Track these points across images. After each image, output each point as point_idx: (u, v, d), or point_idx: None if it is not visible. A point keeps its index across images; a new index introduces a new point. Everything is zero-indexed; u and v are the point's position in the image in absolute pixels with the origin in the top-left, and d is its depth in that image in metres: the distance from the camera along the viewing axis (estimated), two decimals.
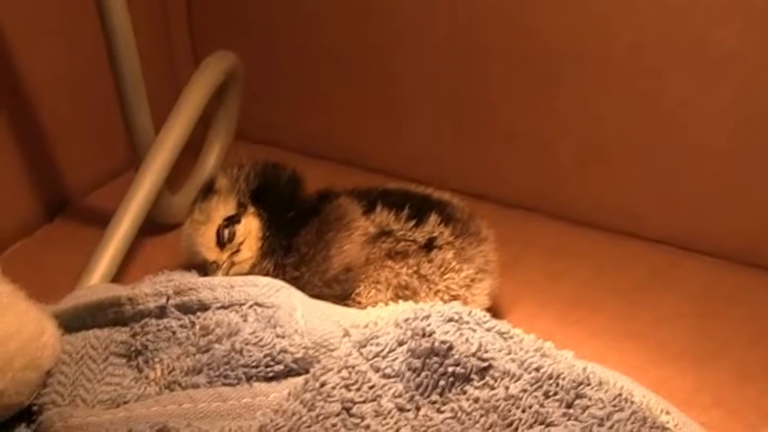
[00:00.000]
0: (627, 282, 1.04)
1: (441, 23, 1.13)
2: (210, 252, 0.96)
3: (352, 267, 0.92)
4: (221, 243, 0.96)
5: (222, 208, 0.97)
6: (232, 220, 0.96)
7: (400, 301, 0.90)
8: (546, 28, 1.07)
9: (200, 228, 0.97)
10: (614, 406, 0.74)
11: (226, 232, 0.96)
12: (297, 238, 0.94)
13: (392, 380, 0.78)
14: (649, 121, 1.05)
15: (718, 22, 0.98)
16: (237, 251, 0.96)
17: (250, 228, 0.97)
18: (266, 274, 0.94)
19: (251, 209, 0.97)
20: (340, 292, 0.92)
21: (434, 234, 0.93)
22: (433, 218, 0.93)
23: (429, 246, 0.93)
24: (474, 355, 0.77)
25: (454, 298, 0.91)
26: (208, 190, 0.99)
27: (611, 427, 0.73)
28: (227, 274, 0.95)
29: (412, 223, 0.93)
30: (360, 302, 0.92)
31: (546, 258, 1.08)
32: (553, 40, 1.07)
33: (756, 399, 0.90)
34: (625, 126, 1.07)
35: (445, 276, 0.92)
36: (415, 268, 0.92)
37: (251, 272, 0.95)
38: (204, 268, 0.95)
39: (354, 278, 0.92)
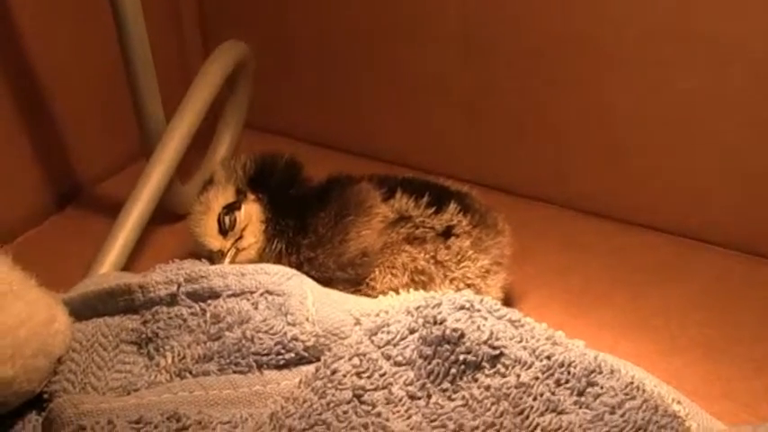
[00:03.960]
0: (637, 273, 1.04)
1: (452, 14, 1.12)
2: (214, 241, 0.96)
3: (368, 253, 0.92)
4: (223, 231, 0.96)
5: (221, 197, 0.97)
6: (232, 208, 0.96)
7: (415, 286, 0.91)
8: (556, 19, 1.07)
9: (202, 218, 0.97)
10: (626, 394, 0.74)
11: (226, 219, 0.96)
12: (315, 220, 0.94)
13: (403, 367, 0.78)
14: (660, 112, 1.05)
15: (728, 13, 0.98)
16: (241, 237, 0.96)
17: (251, 213, 0.97)
18: (278, 254, 0.94)
19: (250, 195, 0.98)
20: (354, 276, 0.92)
21: (453, 222, 0.93)
22: (452, 206, 0.94)
23: (447, 234, 0.93)
24: (485, 342, 0.77)
25: (469, 287, 0.91)
26: (207, 183, 1.00)
27: (622, 415, 0.73)
28: (233, 261, 0.95)
29: (431, 210, 0.93)
30: (374, 287, 0.92)
31: (556, 249, 1.08)
32: (564, 32, 1.07)
33: (766, 390, 0.90)
34: (636, 117, 1.07)
35: (461, 265, 0.92)
36: (432, 254, 0.92)
37: (261, 256, 0.95)
38: (212, 259, 0.95)
39: (369, 264, 0.92)
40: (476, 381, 0.76)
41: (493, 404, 0.75)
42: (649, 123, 1.06)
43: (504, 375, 0.76)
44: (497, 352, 0.77)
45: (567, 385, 0.75)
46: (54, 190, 1.16)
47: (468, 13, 1.11)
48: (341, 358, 0.78)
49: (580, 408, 0.74)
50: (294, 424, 0.73)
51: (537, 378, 0.76)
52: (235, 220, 0.96)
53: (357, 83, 1.23)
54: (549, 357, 0.77)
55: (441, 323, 0.78)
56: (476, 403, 0.75)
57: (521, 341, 0.78)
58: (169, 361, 0.83)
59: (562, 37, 1.07)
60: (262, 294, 0.85)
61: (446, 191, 0.96)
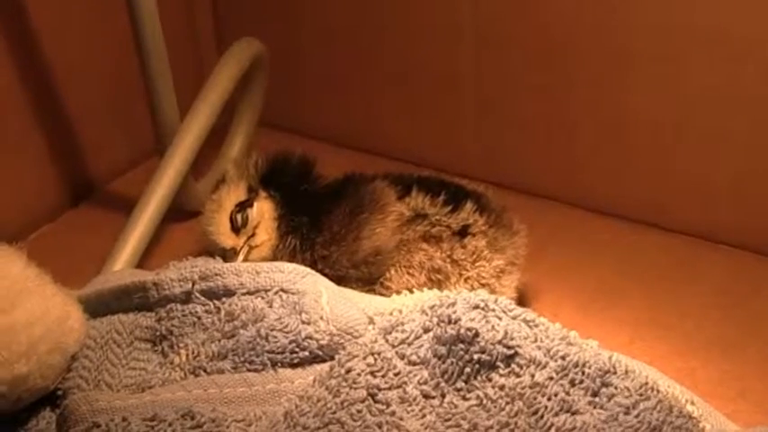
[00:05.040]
0: (651, 273, 1.04)
1: (463, 11, 1.12)
2: (227, 239, 0.96)
3: (381, 251, 0.92)
4: (236, 228, 0.96)
5: (233, 195, 0.97)
6: (244, 205, 0.97)
7: (431, 285, 0.90)
8: (569, 17, 1.06)
9: (214, 216, 0.97)
10: (640, 395, 0.74)
11: (239, 217, 0.96)
12: (329, 217, 0.94)
13: (417, 367, 0.78)
14: (672, 109, 1.05)
15: (741, 11, 0.98)
16: (253, 235, 0.96)
17: (263, 210, 0.97)
18: (292, 251, 0.94)
19: (262, 193, 0.98)
20: (367, 275, 0.92)
21: (469, 222, 0.93)
22: (469, 205, 0.93)
23: (463, 233, 0.93)
24: (500, 342, 0.77)
25: (483, 287, 0.91)
26: (220, 182, 1.00)
27: (637, 416, 0.73)
28: (246, 259, 0.95)
29: (447, 209, 0.93)
30: (390, 286, 0.92)
31: (570, 249, 1.08)
32: (577, 30, 1.06)
33: None
34: (648, 115, 1.06)
35: (477, 264, 0.92)
36: (448, 252, 0.92)
37: (275, 253, 0.96)
38: (225, 257, 0.95)
39: (383, 262, 0.92)
40: (490, 380, 0.76)
41: (507, 404, 0.75)
42: (662, 122, 1.06)
43: (518, 375, 0.76)
44: (512, 352, 0.77)
45: (582, 385, 0.76)
46: (68, 187, 1.16)
47: (481, 9, 1.11)
48: (355, 357, 0.78)
49: (594, 408, 0.74)
50: (308, 422, 0.73)
51: (551, 378, 0.76)
52: (247, 217, 0.96)
53: (371, 81, 1.23)
54: (563, 357, 0.77)
55: (455, 322, 0.78)
56: (490, 403, 0.75)
57: (535, 341, 0.78)
58: (183, 358, 0.83)
59: (575, 35, 1.07)
60: (276, 293, 0.85)
61: (462, 190, 0.96)
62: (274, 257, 0.95)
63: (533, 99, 1.13)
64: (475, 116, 1.17)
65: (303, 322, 0.82)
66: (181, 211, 1.09)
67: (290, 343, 0.81)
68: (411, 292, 0.88)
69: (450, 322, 0.78)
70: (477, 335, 0.77)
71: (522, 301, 0.97)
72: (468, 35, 1.13)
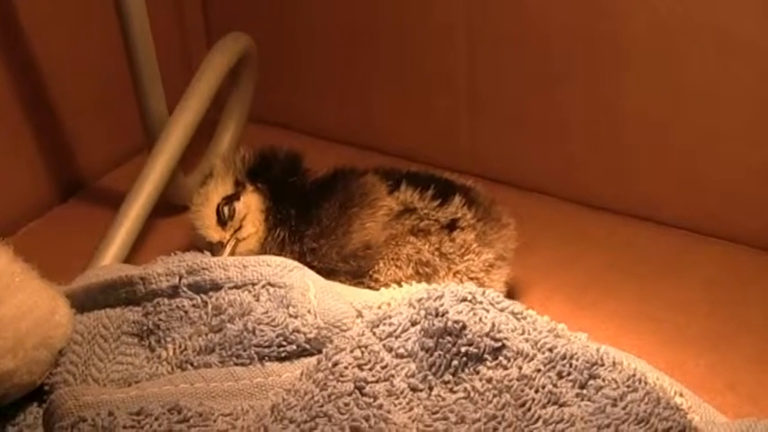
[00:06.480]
0: (641, 266, 1.04)
1: (456, 6, 1.12)
2: (213, 232, 0.97)
3: (371, 245, 0.92)
4: (222, 221, 0.96)
5: (220, 189, 0.98)
6: (231, 199, 0.97)
7: (419, 278, 0.91)
8: (562, 12, 1.06)
9: (200, 210, 0.98)
10: (628, 386, 0.74)
11: (225, 209, 0.96)
12: (319, 211, 0.94)
13: (405, 360, 0.78)
14: (665, 104, 1.05)
15: (736, 7, 0.97)
16: (240, 228, 0.96)
17: (250, 203, 0.97)
18: (281, 243, 0.95)
19: (249, 186, 0.98)
20: (356, 268, 0.92)
21: (457, 215, 0.93)
22: (457, 200, 0.94)
23: (451, 226, 0.93)
24: (487, 334, 0.77)
25: (472, 280, 0.91)
26: (207, 177, 1.01)
27: (624, 408, 0.72)
28: (233, 252, 0.95)
29: (436, 203, 0.93)
30: (378, 279, 0.92)
31: (560, 242, 1.07)
32: (569, 25, 1.06)
33: None
34: (640, 110, 1.06)
35: (465, 258, 0.92)
36: (436, 246, 0.92)
37: (263, 245, 0.96)
38: (213, 251, 0.95)
39: (372, 256, 0.92)
40: (477, 373, 0.76)
41: (495, 396, 0.74)
42: (654, 116, 1.06)
43: (505, 367, 0.76)
44: (499, 344, 0.77)
45: (569, 377, 0.75)
46: (57, 182, 1.15)
47: (472, 5, 1.11)
48: (342, 350, 0.77)
49: (582, 400, 0.74)
50: (295, 416, 0.73)
51: (539, 370, 0.76)
52: (234, 210, 0.96)
53: (361, 75, 1.22)
54: (551, 350, 0.77)
55: (442, 315, 0.78)
56: (477, 395, 0.75)
57: (523, 333, 0.78)
58: (170, 353, 0.83)
59: (568, 30, 1.07)
60: (263, 286, 0.85)
61: (451, 184, 0.96)
62: (263, 250, 0.95)
63: (526, 95, 1.12)
64: (468, 112, 1.17)
65: (290, 316, 0.82)
66: (170, 205, 1.09)
67: (278, 337, 0.81)
68: (399, 284, 0.87)
69: (437, 315, 0.78)
70: (464, 327, 0.77)
71: (513, 293, 0.97)
72: (460, 31, 1.13)
